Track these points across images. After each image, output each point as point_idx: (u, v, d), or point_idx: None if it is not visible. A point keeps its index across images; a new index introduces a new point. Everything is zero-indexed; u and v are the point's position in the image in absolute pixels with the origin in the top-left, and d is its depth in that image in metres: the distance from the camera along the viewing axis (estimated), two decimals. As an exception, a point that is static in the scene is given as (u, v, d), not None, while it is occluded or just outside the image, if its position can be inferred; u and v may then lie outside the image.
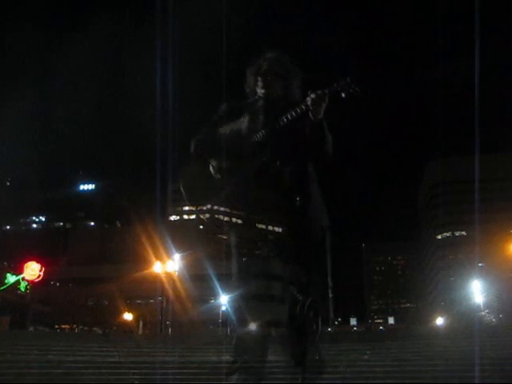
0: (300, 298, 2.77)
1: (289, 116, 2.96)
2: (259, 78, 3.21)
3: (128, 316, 54.95)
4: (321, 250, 2.91)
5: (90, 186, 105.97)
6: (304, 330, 2.79)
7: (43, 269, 39.56)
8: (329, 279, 2.84)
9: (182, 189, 3.31)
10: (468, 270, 63.43)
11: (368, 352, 16.72)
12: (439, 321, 68.86)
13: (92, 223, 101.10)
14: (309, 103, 2.90)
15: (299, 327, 2.78)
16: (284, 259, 2.88)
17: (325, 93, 2.88)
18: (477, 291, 50.97)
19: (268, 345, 2.90)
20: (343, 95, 2.89)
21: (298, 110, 2.95)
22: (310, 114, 2.91)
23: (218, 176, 3.16)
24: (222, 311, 49.22)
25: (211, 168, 3.18)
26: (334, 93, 2.90)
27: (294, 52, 3.36)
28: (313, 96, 2.89)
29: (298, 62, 3.33)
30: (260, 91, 3.21)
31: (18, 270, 39.58)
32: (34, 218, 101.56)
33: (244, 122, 3.11)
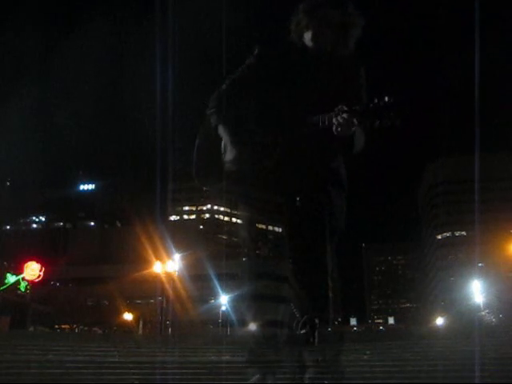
0: (297, 314, 2.72)
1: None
2: (312, 25, 2.63)
3: (128, 316, 54.98)
4: (323, 249, 2.82)
5: (90, 186, 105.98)
6: (302, 343, 2.74)
7: (43, 269, 39.58)
8: (329, 279, 2.84)
9: (195, 151, 2.75)
10: (468, 270, 63.45)
11: (368, 352, 16.71)
12: (439, 321, 68.87)
13: (92, 223, 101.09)
14: (332, 125, 2.42)
15: (297, 341, 2.77)
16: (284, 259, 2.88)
17: (354, 115, 2.35)
18: (477, 291, 50.98)
19: (268, 345, 2.91)
20: (377, 124, 2.33)
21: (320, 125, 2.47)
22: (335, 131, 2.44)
23: (227, 157, 2.65)
24: (222, 311, 49.24)
25: (222, 145, 2.69)
26: (366, 118, 2.35)
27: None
28: (339, 120, 2.39)
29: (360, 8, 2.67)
30: (308, 41, 2.66)
31: (18, 270, 39.59)
32: (33, 218, 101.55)
33: (280, 88, 2.57)
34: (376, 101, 2.33)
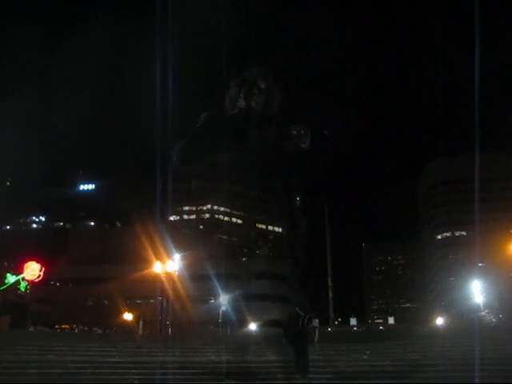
0: (301, 314, 2.90)
1: None
2: (242, 90, 3.39)
3: (128, 316, 54.98)
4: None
5: (90, 186, 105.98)
6: (305, 339, 2.93)
7: (43, 269, 39.51)
8: (328, 279, 2.87)
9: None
10: (468, 270, 63.43)
11: (368, 352, 16.71)
12: (439, 321, 68.86)
13: (92, 223, 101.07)
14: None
15: (301, 337, 2.93)
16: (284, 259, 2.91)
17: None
18: (477, 291, 50.99)
19: (267, 345, 2.98)
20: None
21: None
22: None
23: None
24: (222, 311, 49.23)
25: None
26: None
27: (293, 52, 3.51)
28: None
29: (283, 78, 3.58)
30: (241, 103, 3.38)
31: (17, 270, 39.53)
32: (33, 218, 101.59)
33: (227, 142, 3.25)
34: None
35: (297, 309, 2.98)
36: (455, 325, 49.28)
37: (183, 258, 47.30)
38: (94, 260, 70.93)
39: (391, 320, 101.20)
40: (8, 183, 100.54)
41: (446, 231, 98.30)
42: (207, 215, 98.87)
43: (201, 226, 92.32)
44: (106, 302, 59.49)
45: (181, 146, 3.36)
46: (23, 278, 38.65)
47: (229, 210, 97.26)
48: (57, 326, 54.80)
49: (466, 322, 46.41)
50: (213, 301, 52.93)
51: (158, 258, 45.12)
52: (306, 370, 3.04)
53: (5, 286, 37.69)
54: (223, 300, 49.44)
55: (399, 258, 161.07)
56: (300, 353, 3.02)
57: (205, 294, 53.02)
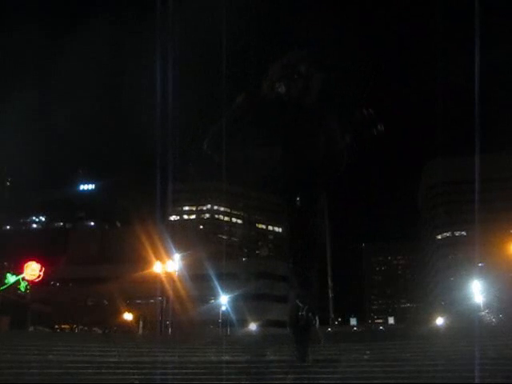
0: (300, 303, 2.89)
1: None
2: (282, 75, 3.18)
3: (128, 316, 54.96)
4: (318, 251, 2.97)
5: (90, 186, 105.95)
6: (306, 329, 2.93)
7: (43, 269, 39.49)
8: (328, 279, 2.88)
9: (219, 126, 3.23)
10: (468, 270, 63.42)
11: (368, 352, 16.72)
12: (439, 321, 68.82)
13: (92, 223, 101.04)
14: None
15: (302, 328, 2.93)
16: (284, 259, 2.92)
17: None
18: (477, 291, 50.99)
19: (268, 344, 2.98)
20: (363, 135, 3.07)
21: None
22: None
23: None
24: (222, 311, 49.24)
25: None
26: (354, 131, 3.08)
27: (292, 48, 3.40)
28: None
29: (324, 62, 3.35)
30: (280, 88, 3.19)
31: (17, 270, 39.52)
32: (33, 218, 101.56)
33: (260, 129, 3.11)
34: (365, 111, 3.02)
35: (297, 301, 2.95)
36: (455, 325, 49.24)
37: (183, 258, 47.31)
38: (94, 260, 70.91)
39: (391, 320, 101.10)
40: (8, 183, 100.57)
41: (446, 231, 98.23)
42: (207, 215, 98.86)
43: (201, 226, 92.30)
44: (105, 302, 59.51)
45: (213, 132, 3.20)
46: (23, 278, 38.63)
47: (229, 210, 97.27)
48: (57, 326, 54.80)
49: (466, 322, 46.36)
50: (213, 301, 52.92)
51: (158, 258, 45.11)
52: (306, 356, 3.05)
53: (5, 286, 37.67)
54: (223, 300, 49.48)
55: (399, 257, 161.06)
56: (299, 340, 3.03)
57: (205, 294, 53.00)
